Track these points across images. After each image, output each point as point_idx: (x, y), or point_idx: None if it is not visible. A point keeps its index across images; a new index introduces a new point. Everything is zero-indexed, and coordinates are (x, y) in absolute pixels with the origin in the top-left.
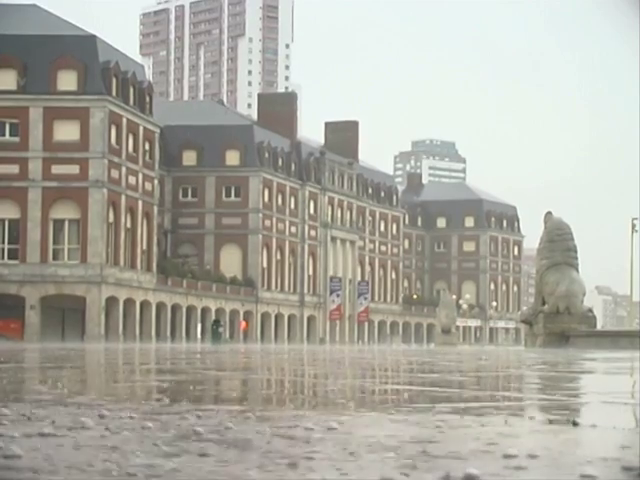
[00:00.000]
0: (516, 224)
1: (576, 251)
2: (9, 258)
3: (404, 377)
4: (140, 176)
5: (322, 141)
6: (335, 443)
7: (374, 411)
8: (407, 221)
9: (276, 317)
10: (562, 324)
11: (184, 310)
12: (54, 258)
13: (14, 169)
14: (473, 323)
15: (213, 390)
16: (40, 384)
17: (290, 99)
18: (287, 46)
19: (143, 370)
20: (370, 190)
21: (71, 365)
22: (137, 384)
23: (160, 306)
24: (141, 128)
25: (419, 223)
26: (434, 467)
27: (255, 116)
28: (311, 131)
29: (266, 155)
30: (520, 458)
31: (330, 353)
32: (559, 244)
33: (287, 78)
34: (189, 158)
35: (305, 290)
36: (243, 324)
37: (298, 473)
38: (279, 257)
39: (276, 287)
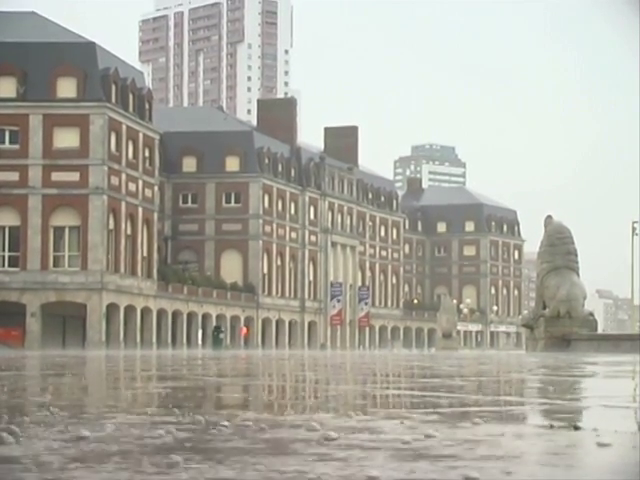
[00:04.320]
0: (516, 228)
1: (577, 255)
2: (9, 265)
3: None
4: (140, 183)
5: (322, 146)
6: None
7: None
8: (407, 226)
9: (277, 323)
10: (563, 328)
11: (185, 316)
12: (54, 265)
13: (14, 176)
14: (474, 327)
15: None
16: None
17: (290, 105)
18: (286, 52)
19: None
20: (370, 195)
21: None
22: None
23: (161, 313)
24: (141, 135)
25: (419, 228)
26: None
27: (255, 122)
28: (311, 137)
29: (266, 161)
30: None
31: (339, 359)
32: (560, 248)
33: (286, 84)
34: (189, 164)
35: (306, 295)
36: (244, 330)
37: None
38: (280, 263)
39: (277, 293)
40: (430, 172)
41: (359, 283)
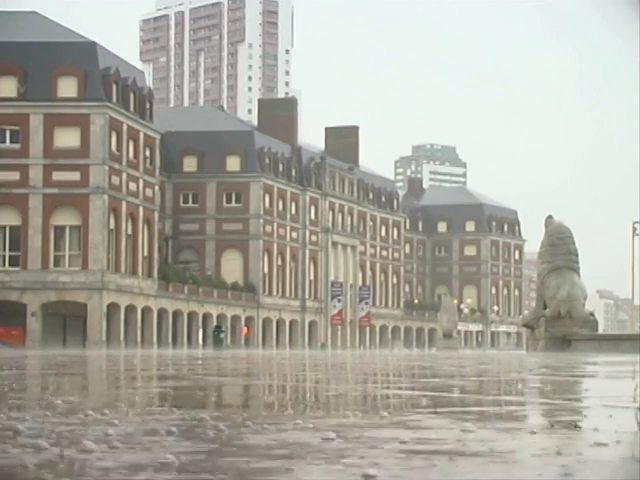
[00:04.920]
0: (517, 228)
1: (577, 255)
2: (10, 265)
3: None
4: (141, 182)
5: (323, 146)
6: None
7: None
8: (408, 226)
9: (277, 322)
10: (564, 328)
11: (185, 316)
12: (55, 265)
13: (15, 176)
14: (474, 327)
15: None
16: None
17: (290, 104)
18: (287, 51)
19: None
20: (371, 195)
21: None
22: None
23: (161, 312)
24: (142, 134)
25: (420, 228)
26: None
27: (255, 122)
28: (311, 136)
29: (267, 161)
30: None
31: (340, 359)
32: (560, 248)
33: (287, 84)
34: (190, 164)
35: (306, 295)
36: (244, 330)
37: None
38: (280, 262)
39: (277, 292)
40: (431, 172)
41: (360, 283)
